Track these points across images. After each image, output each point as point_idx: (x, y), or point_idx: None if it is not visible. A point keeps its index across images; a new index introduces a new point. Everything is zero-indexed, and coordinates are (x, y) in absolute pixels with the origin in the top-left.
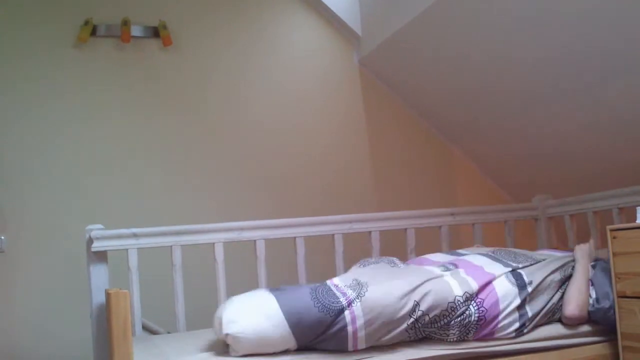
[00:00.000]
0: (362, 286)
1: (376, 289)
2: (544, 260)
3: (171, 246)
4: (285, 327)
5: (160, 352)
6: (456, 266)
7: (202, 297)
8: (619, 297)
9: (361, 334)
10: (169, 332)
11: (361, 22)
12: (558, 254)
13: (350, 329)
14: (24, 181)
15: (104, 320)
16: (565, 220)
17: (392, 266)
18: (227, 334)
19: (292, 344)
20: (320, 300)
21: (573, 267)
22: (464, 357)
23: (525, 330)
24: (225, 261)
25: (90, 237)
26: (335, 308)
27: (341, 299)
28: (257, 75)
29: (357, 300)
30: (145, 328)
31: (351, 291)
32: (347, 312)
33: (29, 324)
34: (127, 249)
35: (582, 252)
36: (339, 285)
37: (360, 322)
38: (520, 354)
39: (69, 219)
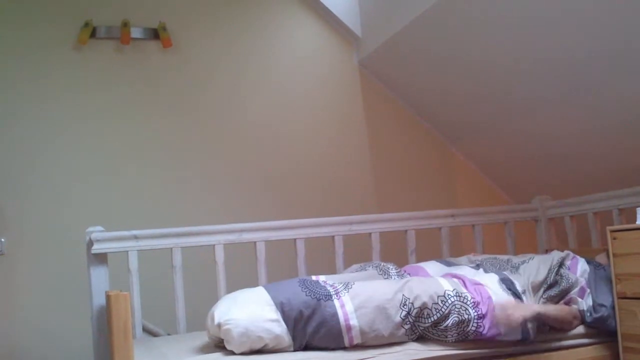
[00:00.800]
0: (348, 283)
1: (363, 283)
2: (526, 263)
3: (171, 248)
4: (273, 311)
5: (161, 354)
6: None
7: (203, 299)
8: (619, 298)
9: (354, 322)
10: (169, 334)
11: (361, 24)
12: (541, 256)
13: (341, 315)
14: (24, 183)
15: (104, 322)
16: (565, 221)
17: (385, 277)
18: (219, 324)
19: (282, 329)
20: (309, 287)
21: (557, 272)
22: (465, 358)
23: (529, 340)
24: (225, 263)
25: (90, 239)
26: (323, 294)
27: (329, 288)
28: (257, 77)
29: (345, 291)
30: (145, 330)
31: (339, 284)
32: (335, 300)
33: (29, 327)
34: (127, 251)
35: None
36: (327, 281)
37: (349, 307)
38: (521, 354)
39: (69, 221)
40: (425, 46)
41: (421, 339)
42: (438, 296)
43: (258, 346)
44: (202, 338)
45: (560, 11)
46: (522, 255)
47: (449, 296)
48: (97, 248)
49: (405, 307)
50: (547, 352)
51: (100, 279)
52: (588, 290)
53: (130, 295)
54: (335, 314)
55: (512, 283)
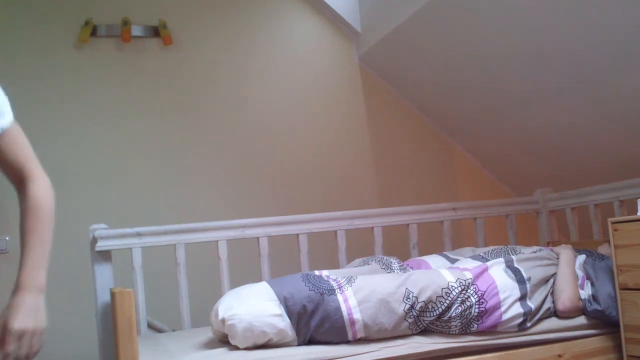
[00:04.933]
0: (351, 277)
1: (365, 277)
2: (535, 253)
3: (175, 245)
4: (277, 306)
5: (166, 350)
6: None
7: (207, 295)
8: (620, 289)
9: (357, 316)
10: (174, 330)
11: (360, 19)
12: (546, 250)
13: (344, 309)
14: None
15: (109, 319)
16: (566, 214)
17: (388, 271)
18: (223, 319)
19: (286, 324)
20: (312, 282)
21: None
22: (468, 350)
23: (528, 324)
24: (228, 259)
25: (94, 236)
26: (326, 288)
27: (332, 283)
28: (258, 74)
29: (348, 285)
30: (150, 326)
31: (342, 279)
32: (338, 294)
33: None
34: (131, 248)
35: (565, 249)
36: (330, 276)
37: (353, 301)
38: (524, 346)
39: (73, 219)
40: (425, 40)
41: (425, 331)
42: (442, 289)
43: (262, 341)
44: (207, 334)
45: (561, 4)
46: (527, 247)
47: (453, 288)
48: (100, 245)
49: (408, 300)
50: (550, 344)
51: (104, 277)
52: (587, 281)
53: (135, 292)
54: (338, 308)
55: (518, 270)
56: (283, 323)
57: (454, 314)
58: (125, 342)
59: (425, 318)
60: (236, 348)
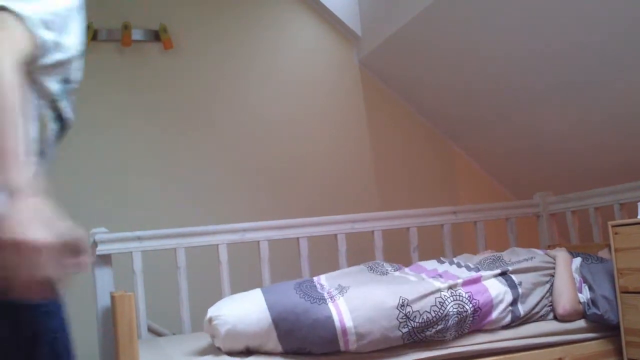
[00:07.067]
0: (344, 288)
1: (358, 288)
2: (529, 259)
3: (175, 248)
4: (265, 312)
5: (166, 354)
6: (445, 277)
7: (207, 299)
8: (621, 292)
9: (349, 324)
10: (174, 334)
11: (360, 22)
12: (541, 253)
13: (337, 319)
14: None
15: (109, 323)
16: (567, 217)
17: (382, 275)
18: (210, 319)
19: (271, 330)
20: (304, 290)
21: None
22: (469, 355)
23: (512, 325)
24: (229, 262)
25: (94, 240)
26: (318, 297)
27: (324, 293)
28: (258, 77)
29: (340, 295)
30: (150, 330)
31: (334, 290)
32: (330, 303)
33: None
34: (131, 252)
35: (561, 251)
36: (324, 285)
37: (345, 310)
38: (524, 350)
39: (73, 223)
40: (425, 44)
41: (418, 341)
42: (435, 298)
43: (243, 344)
44: (207, 338)
45: (561, 8)
46: (522, 250)
47: (446, 297)
48: (101, 249)
49: (403, 308)
50: (550, 347)
51: (104, 280)
52: (584, 285)
53: (135, 296)
54: (330, 317)
55: (509, 276)
56: (268, 329)
57: (450, 324)
58: (125, 346)
59: (418, 327)
60: (237, 354)
